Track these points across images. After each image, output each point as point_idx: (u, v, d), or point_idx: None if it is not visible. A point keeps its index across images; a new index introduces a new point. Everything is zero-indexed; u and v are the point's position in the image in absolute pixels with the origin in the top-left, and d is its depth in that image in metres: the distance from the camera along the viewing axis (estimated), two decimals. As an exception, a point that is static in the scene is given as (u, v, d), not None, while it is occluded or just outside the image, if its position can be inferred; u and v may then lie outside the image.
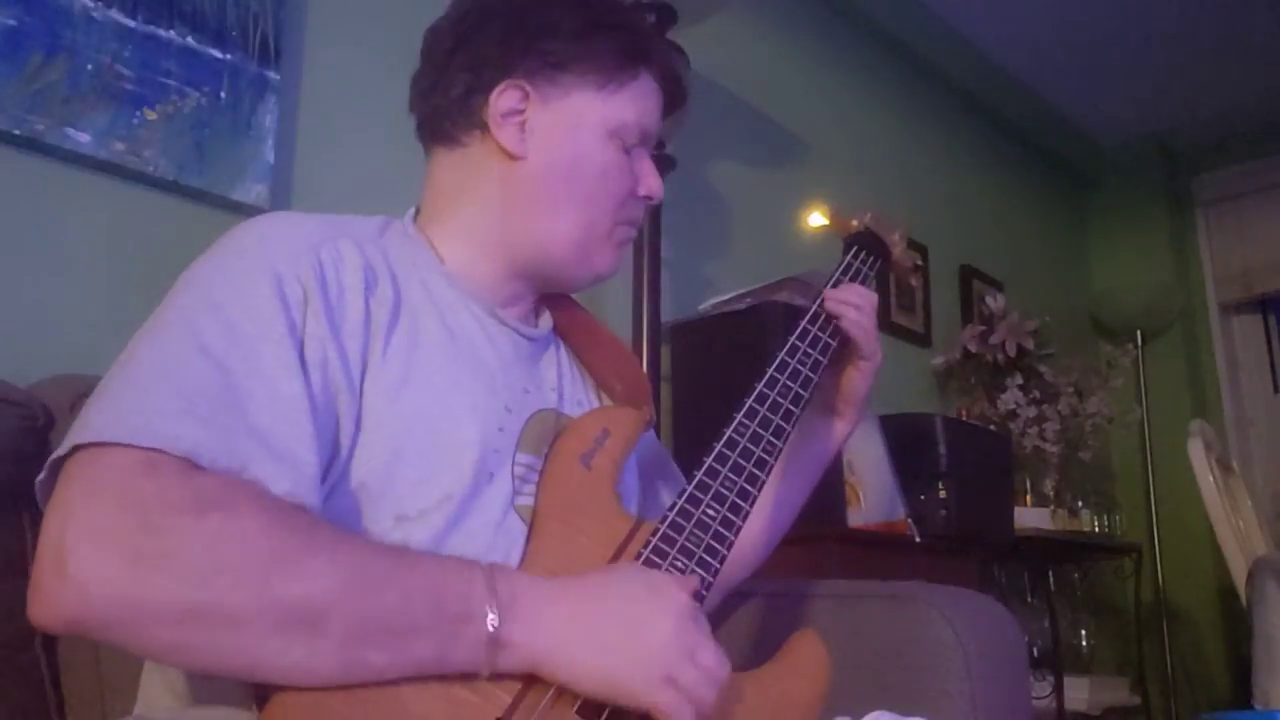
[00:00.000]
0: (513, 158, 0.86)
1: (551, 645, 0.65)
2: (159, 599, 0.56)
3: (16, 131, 1.25)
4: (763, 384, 0.90)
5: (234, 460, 0.62)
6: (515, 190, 0.86)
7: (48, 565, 0.56)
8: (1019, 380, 2.80)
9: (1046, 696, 2.53)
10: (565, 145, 0.86)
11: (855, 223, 1.10)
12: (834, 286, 1.01)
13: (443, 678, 0.64)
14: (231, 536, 0.59)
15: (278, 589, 0.58)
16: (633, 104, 0.88)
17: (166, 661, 0.61)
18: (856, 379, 1.02)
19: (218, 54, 1.45)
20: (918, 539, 1.97)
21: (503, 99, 0.85)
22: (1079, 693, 2.71)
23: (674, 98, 0.94)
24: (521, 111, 0.86)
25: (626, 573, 0.73)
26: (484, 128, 0.86)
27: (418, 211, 0.92)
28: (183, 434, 0.61)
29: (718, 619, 1.09)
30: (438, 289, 0.84)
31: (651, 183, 0.91)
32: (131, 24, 1.36)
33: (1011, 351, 2.82)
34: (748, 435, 0.86)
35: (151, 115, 1.37)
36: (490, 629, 0.63)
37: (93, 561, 0.56)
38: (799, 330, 0.96)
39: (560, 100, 0.86)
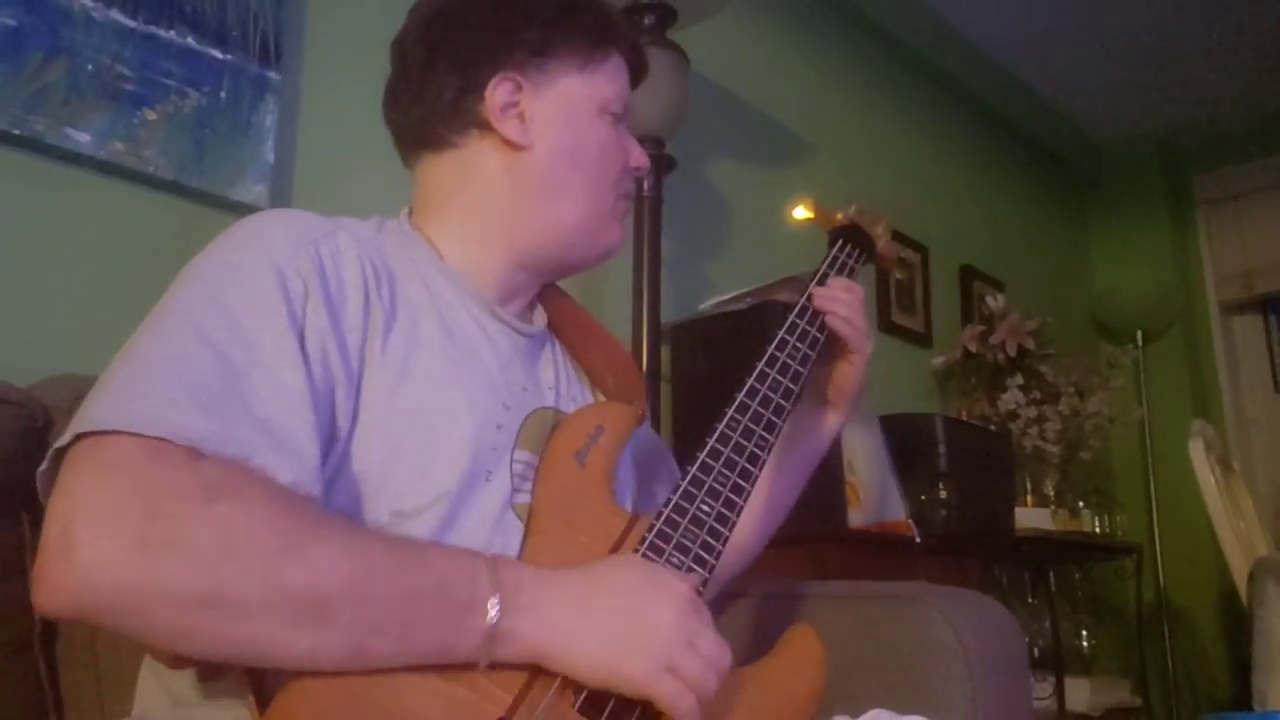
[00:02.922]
0: (517, 149, 0.87)
1: (552, 635, 0.66)
2: (166, 585, 0.56)
3: (16, 131, 1.25)
4: (752, 379, 0.91)
5: (239, 450, 0.62)
6: (523, 180, 0.87)
7: (54, 552, 0.56)
8: (1019, 380, 2.80)
9: (1047, 698, 2.53)
10: (565, 129, 0.88)
11: (839, 216, 1.10)
12: (820, 281, 1.02)
13: (445, 677, 0.64)
14: (239, 524, 0.59)
15: (286, 578, 0.59)
16: (611, 81, 0.91)
17: (174, 648, 0.60)
18: (849, 372, 1.03)
19: (218, 54, 1.45)
20: (918, 539, 1.97)
21: (498, 93, 0.86)
22: (1080, 693, 2.71)
23: (639, 72, 0.97)
24: (517, 103, 0.87)
25: (628, 563, 0.74)
26: (481, 126, 0.86)
27: (410, 212, 0.92)
28: (188, 424, 0.61)
29: (715, 618, 1.08)
30: (437, 287, 0.84)
31: (638, 154, 0.94)
32: (131, 24, 1.36)
33: (1012, 351, 2.82)
34: (739, 430, 0.86)
35: (151, 115, 1.37)
36: (492, 619, 0.64)
37: (99, 547, 0.56)
38: (787, 324, 0.97)
39: (550, 86, 0.88)
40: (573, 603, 0.67)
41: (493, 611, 0.64)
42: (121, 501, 0.57)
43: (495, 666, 0.65)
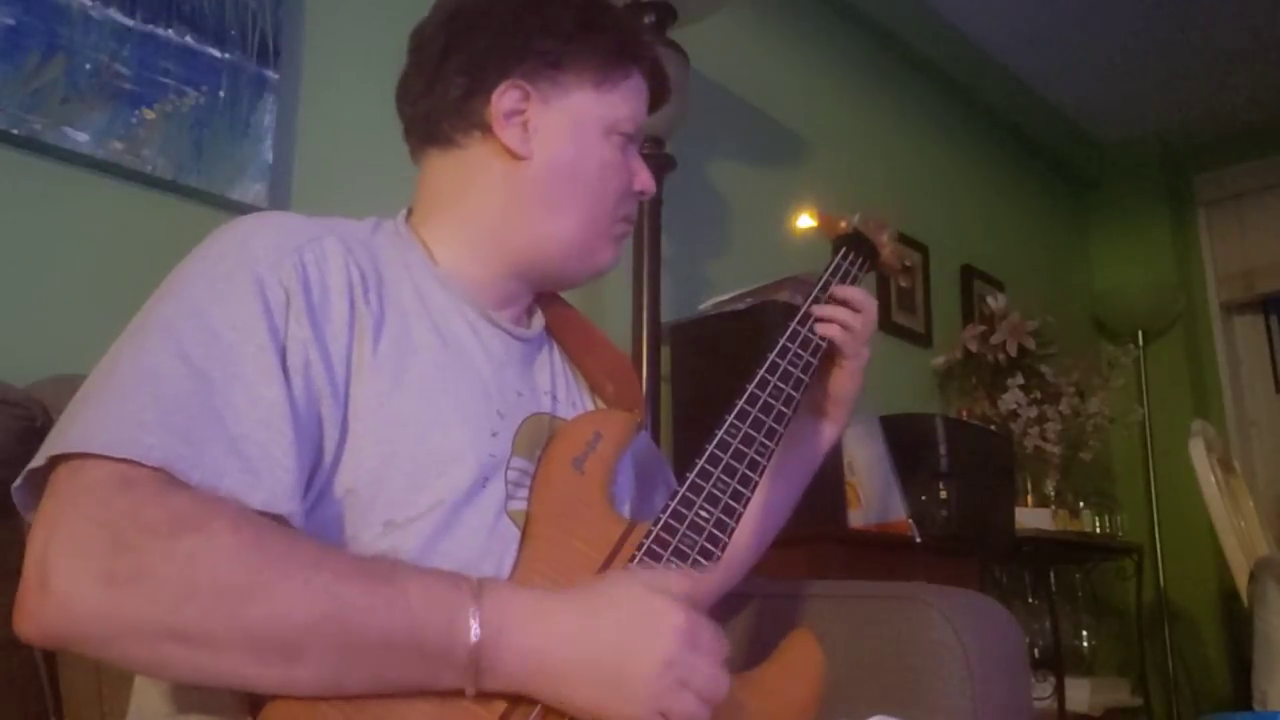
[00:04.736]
0: (516, 158, 0.86)
1: (538, 675, 0.64)
2: (134, 618, 0.56)
3: (15, 131, 1.25)
4: (753, 385, 0.89)
5: (208, 473, 0.62)
6: (518, 190, 0.86)
7: (31, 579, 0.57)
8: (1020, 380, 2.80)
9: (1048, 698, 2.53)
10: (568, 144, 0.87)
11: (843, 224, 1.08)
12: (823, 288, 1.01)
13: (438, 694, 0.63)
14: (204, 561, 0.58)
15: (250, 620, 0.58)
16: (625, 102, 0.89)
17: (151, 675, 0.61)
18: (843, 380, 1.02)
19: (216, 53, 1.45)
20: (918, 539, 1.97)
21: (504, 100, 0.85)
22: (1080, 694, 2.71)
23: (660, 95, 0.96)
24: (522, 111, 0.86)
25: (621, 591, 0.68)
26: (484, 129, 0.86)
27: (410, 212, 0.91)
28: (156, 445, 0.60)
29: (715, 621, 1.08)
30: (430, 292, 0.84)
31: (645, 178, 0.92)
32: (130, 23, 1.36)
33: (1013, 351, 2.82)
34: (739, 437, 0.85)
35: (150, 114, 1.37)
36: (471, 656, 0.62)
37: (71, 577, 0.56)
38: (789, 331, 0.95)
39: (560, 99, 0.87)
40: (559, 640, 0.64)
41: (472, 646, 0.62)
42: (90, 532, 0.57)
43: (481, 696, 0.64)
